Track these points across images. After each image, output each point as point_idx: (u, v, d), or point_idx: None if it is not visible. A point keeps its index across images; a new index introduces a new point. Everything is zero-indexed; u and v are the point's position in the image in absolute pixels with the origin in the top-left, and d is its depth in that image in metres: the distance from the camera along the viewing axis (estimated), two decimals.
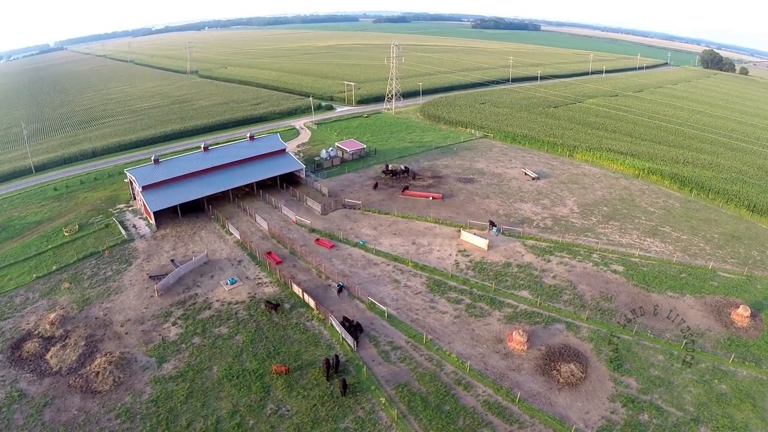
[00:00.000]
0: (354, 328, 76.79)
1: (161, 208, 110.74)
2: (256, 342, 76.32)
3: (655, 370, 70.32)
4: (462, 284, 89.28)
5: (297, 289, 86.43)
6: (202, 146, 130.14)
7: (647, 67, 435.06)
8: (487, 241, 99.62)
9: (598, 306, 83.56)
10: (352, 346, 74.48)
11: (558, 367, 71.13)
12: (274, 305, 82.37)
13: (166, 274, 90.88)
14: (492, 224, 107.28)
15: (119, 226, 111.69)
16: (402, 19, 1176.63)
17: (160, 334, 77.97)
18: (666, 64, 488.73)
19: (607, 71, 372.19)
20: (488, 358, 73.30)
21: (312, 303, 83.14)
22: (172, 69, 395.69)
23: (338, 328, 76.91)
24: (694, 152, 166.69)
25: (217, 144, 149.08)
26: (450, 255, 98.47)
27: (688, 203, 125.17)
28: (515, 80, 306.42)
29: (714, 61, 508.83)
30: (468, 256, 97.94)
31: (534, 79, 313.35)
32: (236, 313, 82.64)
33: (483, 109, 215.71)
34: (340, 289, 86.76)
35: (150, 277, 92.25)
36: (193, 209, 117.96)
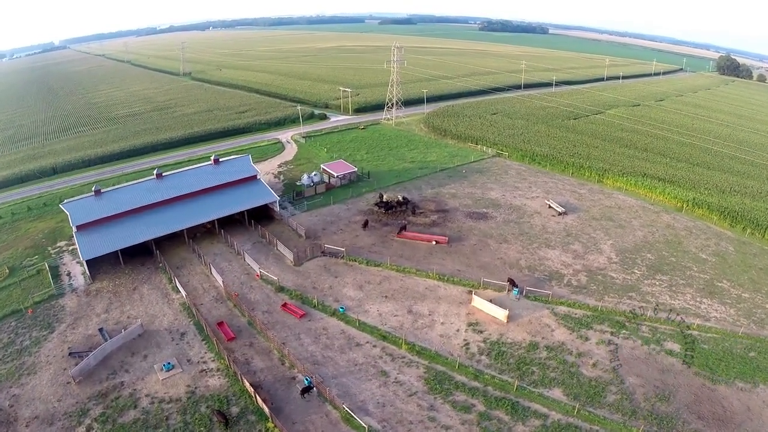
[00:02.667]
0: None
1: (96, 255, 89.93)
2: None
3: None
4: (473, 379, 67.09)
5: (249, 388, 64.49)
6: (155, 173, 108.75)
7: (663, 73, 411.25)
8: (506, 311, 77.14)
9: (653, 410, 61.67)
10: None
11: None
12: (225, 419, 60.50)
13: (90, 351, 70.72)
14: (512, 284, 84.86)
15: (49, 274, 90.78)
16: (408, 21, 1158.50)
17: None
18: (681, 69, 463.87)
19: (623, 77, 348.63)
20: None
21: (266, 410, 61.08)
22: (166, 71, 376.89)
23: None
24: (738, 177, 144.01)
25: (181, 163, 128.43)
26: (458, 331, 76.19)
27: (743, 246, 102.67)
28: (528, 86, 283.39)
29: (731, 68, 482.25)
30: (481, 332, 75.70)
31: (548, 85, 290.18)
32: (167, 419, 61.63)
33: (495, 121, 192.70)
34: (307, 389, 64.37)
35: (70, 354, 71.99)
36: (139, 251, 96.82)
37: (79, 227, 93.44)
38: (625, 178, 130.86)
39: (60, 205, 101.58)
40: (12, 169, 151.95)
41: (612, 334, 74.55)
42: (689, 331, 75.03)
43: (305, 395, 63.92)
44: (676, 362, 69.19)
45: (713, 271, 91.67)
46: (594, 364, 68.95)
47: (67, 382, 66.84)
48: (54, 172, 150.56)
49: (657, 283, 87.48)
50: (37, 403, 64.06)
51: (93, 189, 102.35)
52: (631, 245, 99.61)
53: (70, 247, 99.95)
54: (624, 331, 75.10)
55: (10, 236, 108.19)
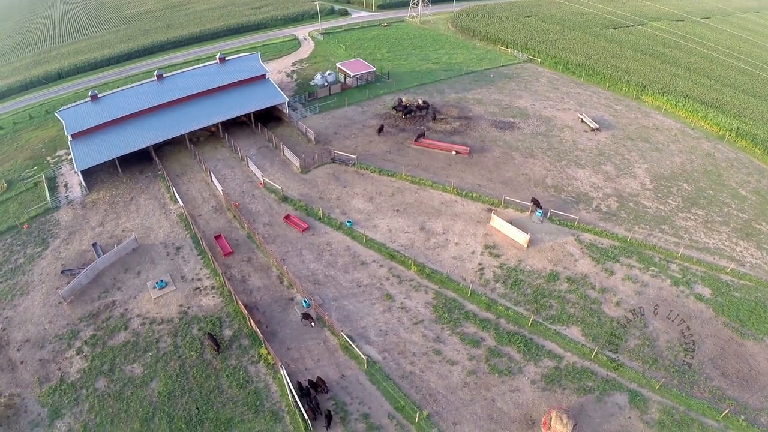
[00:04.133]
0: (318, 408, 50.78)
1: (91, 165, 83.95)
2: (176, 397, 52.82)
3: None
4: (485, 309, 62.17)
5: (243, 309, 60.68)
6: (155, 75, 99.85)
7: None
8: (527, 235, 70.86)
9: (675, 362, 56.71)
10: (309, 425, 49.31)
11: None
12: (217, 344, 56.93)
13: (83, 268, 67.24)
14: (536, 204, 77.94)
15: (45, 187, 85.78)
16: None
17: (59, 369, 56.50)
18: None
19: None
20: None
21: (260, 335, 57.14)
22: None
23: (291, 396, 51.88)
24: None
25: (189, 63, 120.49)
26: (473, 254, 70.50)
27: None
28: None
29: None
30: (498, 257, 69.98)
31: None
32: (158, 342, 58.79)
33: (528, 24, 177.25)
34: (307, 315, 59.92)
35: (62, 271, 68.55)
36: (138, 158, 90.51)
37: (74, 136, 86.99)
38: (665, 98, 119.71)
39: (55, 113, 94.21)
40: (17, 76, 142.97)
41: (640, 271, 68.37)
42: (721, 277, 68.58)
43: (305, 321, 59.24)
44: (705, 309, 63.53)
45: (752, 210, 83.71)
46: (617, 303, 63.63)
47: (59, 303, 63.93)
48: (59, 76, 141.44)
49: (692, 217, 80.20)
50: (28, 325, 61.49)
51: (89, 94, 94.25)
52: (667, 172, 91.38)
53: (69, 156, 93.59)
54: (653, 268, 68.86)
55: (10, 147, 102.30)
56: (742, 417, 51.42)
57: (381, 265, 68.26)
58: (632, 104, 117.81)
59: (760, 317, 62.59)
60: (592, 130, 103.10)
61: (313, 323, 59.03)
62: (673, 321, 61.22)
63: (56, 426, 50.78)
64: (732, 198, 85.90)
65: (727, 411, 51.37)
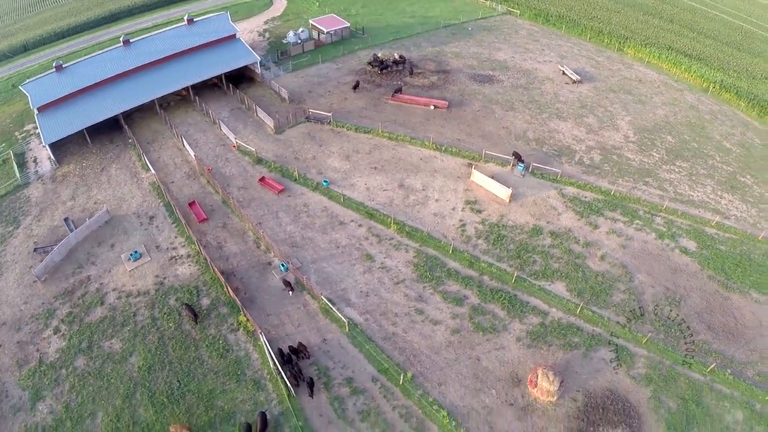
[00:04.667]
0: (300, 375, 49.05)
1: (59, 137, 79.58)
2: (156, 370, 50.82)
3: None
4: (468, 267, 60.42)
5: (220, 277, 58.46)
6: (122, 40, 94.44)
7: None
8: (509, 189, 68.75)
9: (661, 315, 55.77)
10: (292, 392, 47.79)
11: None
12: (194, 314, 54.67)
13: (56, 244, 63.95)
14: (518, 158, 75.63)
15: (14, 163, 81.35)
16: None
17: (38, 350, 54.02)
18: None
19: None
20: (497, 416, 47.13)
21: (238, 302, 55.12)
22: None
23: (272, 362, 50.13)
24: None
25: (159, 26, 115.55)
26: (453, 210, 68.42)
27: None
28: None
29: None
30: (480, 212, 67.98)
31: None
32: (135, 315, 56.36)
33: None
34: (287, 283, 57.44)
35: (35, 249, 65.26)
36: (108, 127, 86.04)
37: (40, 109, 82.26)
38: (647, 49, 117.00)
39: (20, 87, 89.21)
40: None
41: (625, 224, 66.92)
42: (706, 230, 67.47)
43: (286, 288, 56.78)
44: (690, 262, 62.39)
45: (737, 163, 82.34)
46: (602, 257, 62.23)
47: (33, 282, 60.71)
48: (25, 49, 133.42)
49: (676, 169, 78.73)
50: (4, 308, 58.42)
51: (54, 65, 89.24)
52: (650, 124, 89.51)
53: (38, 131, 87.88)
54: (637, 221, 67.45)
55: None
56: (729, 371, 50.65)
57: (360, 225, 65.89)
58: (614, 56, 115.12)
59: (745, 270, 61.65)
60: (574, 82, 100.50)
61: (291, 292, 56.55)
62: (656, 277, 60.09)
63: (38, 409, 48.67)
64: (716, 150, 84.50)
65: (713, 365, 50.52)
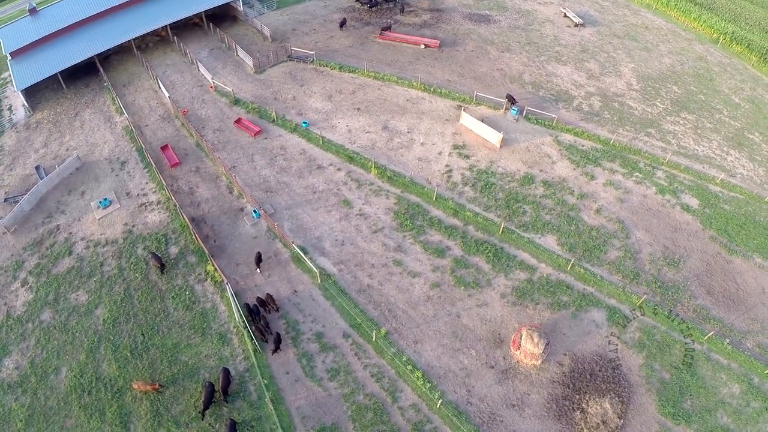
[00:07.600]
0: (267, 329, 45.12)
1: (32, 83, 73.48)
2: (120, 324, 47.49)
3: (723, 416, 41.90)
4: (452, 215, 55.80)
5: (190, 224, 54.18)
6: None
7: None
8: (500, 134, 63.40)
9: (658, 276, 51.72)
10: (257, 347, 44.08)
11: (584, 405, 41.89)
12: (161, 263, 50.64)
13: (26, 193, 59.92)
14: (511, 101, 70.04)
15: None
16: None
17: (5, 303, 51.26)
18: None
19: None
20: (476, 378, 43.33)
21: (206, 251, 50.85)
22: None
23: (239, 316, 46.31)
24: None
25: None
26: (440, 154, 63.25)
27: None
28: None
29: None
30: (468, 158, 62.87)
31: None
32: (102, 265, 52.55)
33: None
34: (258, 259, 51.51)
35: (5, 200, 61.21)
36: (85, 71, 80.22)
37: (13, 54, 76.80)
38: None
39: None
40: None
41: (624, 176, 62.14)
42: (710, 187, 62.80)
43: (259, 267, 51.24)
44: (692, 221, 57.93)
45: (745, 119, 76.98)
46: (597, 210, 57.67)
47: (3, 233, 56.43)
48: None
49: (681, 121, 73.51)
50: None
51: (27, 8, 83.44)
52: (655, 73, 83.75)
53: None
54: (637, 174, 62.68)
55: None
56: (727, 340, 46.90)
57: (339, 169, 60.80)
58: (620, 1, 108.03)
59: (749, 233, 57.28)
60: (576, 25, 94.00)
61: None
62: (655, 235, 55.70)
63: (4, 364, 45.70)
64: (724, 105, 79.06)
65: (711, 333, 46.67)
